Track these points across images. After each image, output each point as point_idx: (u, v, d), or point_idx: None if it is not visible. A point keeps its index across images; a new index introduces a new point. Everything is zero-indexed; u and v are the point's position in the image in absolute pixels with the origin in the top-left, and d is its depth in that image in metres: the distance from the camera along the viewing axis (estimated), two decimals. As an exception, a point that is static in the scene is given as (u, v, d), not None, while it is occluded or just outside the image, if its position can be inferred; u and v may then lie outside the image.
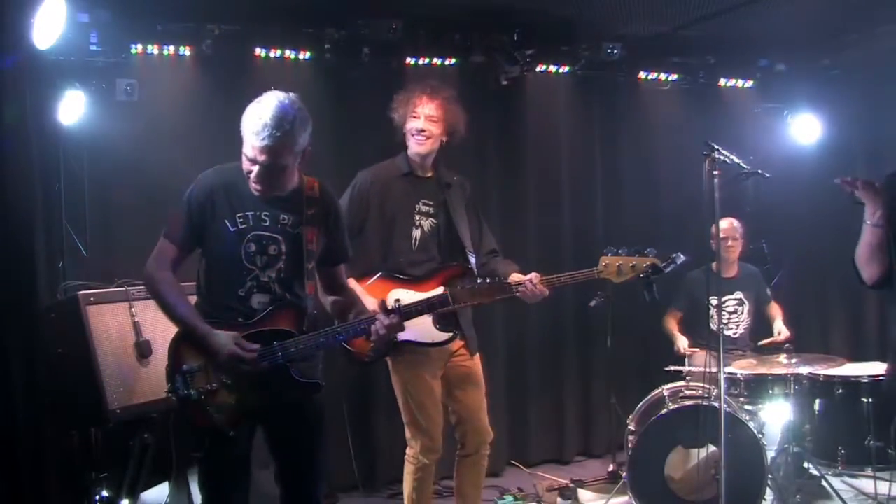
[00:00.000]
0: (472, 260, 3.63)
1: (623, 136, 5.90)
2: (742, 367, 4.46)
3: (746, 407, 4.41)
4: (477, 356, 3.71)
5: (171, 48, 4.71)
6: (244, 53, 4.83)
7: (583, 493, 4.91)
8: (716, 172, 3.48)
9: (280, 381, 2.70)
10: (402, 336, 3.47)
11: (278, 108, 2.59)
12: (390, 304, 3.41)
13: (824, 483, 4.43)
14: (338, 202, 2.98)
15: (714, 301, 4.64)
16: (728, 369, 4.37)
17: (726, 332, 5.00)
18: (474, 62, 5.32)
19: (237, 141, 2.69)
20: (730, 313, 5.11)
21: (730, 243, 5.06)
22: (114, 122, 4.54)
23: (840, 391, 4.39)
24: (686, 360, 4.82)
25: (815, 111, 5.92)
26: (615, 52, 5.35)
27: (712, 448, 3.80)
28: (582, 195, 5.79)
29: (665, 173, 5.86)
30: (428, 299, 3.03)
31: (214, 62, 4.73)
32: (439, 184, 3.69)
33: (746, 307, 5.15)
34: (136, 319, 3.45)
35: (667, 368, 4.74)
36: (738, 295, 5.13)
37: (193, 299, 2.83)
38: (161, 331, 3.33)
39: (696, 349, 4.87)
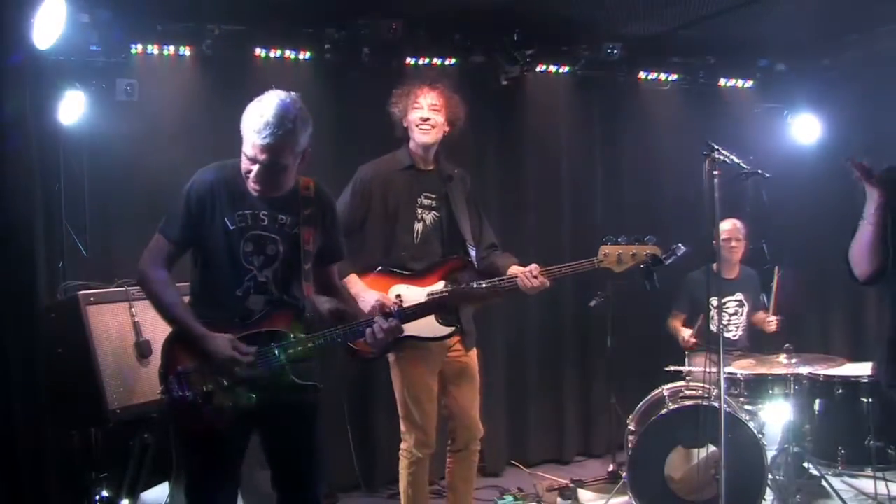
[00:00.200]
0: (473, 253, 3.63)
1: (623, 136, 5.90)
2: (742, 367, 4.46)
3: (746, 407, 4.41)
4: (473, 351, 3.73)
5: (171, 48, 4.71)
6: (244, 53, 4.83)
7: (583, 493, 4.91)
8: (716, 172, 3.48)
9: (277, 383, 2.66)
10: (405, 331, 3.49)
11: (280, 107, 2.57)
12: (392, 299, 3.44)
13: (824, 483, 4.43)
14: (333, 201, 2.95)
15: (714, 302, 4.64)
16: (728, 369, 4.37)
17: (725, 334, 5.00)
18: (474, 62, 5.33)
19: (237, 141, 2.68)
20: (730, 314, 5.11)
21: (733, 244, 5.06)
22: (114, 122, 4.54)
23: (840, 391, 4.39)
24: (686, 360, 4.82)
25: (815, 111, 5.92)
26: (615, 52, 5.35)
27: (712, 448, 3.80)
28: (582, 195, 5.79)
29: (665, 173, 5.86)
30: (426, 303, 3.01)
31: (214, 62, 4.74)
32: (441, 177, 3.70)
33: (746, 309, 5.15)
34: (136, 319, 3.44)
35: (667, 368, 4.74)
36: (739, 296, 5.13)
37: (186, 300, 2.78)
38: (161, 331, 3.29)
39: (698, 340, 4.86)
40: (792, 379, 4.36)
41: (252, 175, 2.61)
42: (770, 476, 4.13)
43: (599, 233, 5.65)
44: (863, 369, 4.45)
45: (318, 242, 2.79)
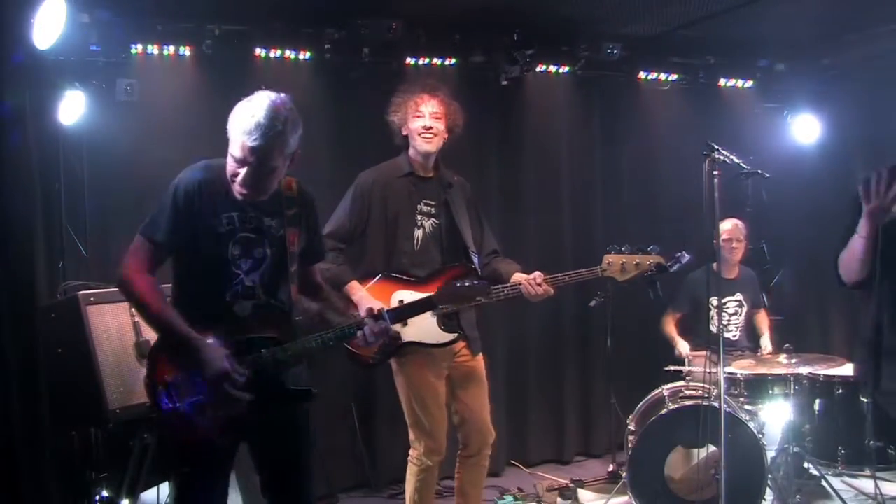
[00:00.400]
0: (476, 260, 3.63)
1: (623, 136, 5.90)
2: (742, 367, 4.46)
3: (746, 407, 4.41)
4: (480, 356, 3.71)
5: (171, 48, 4.71)
6: (244, 53, 4.83)
7: (583, 493, 4.91)
8: (716, 172, 3.48)
9: (270, 390, 2.59)
10: (407, 338, 3.48)
11: (271, 108, 2.49)
12: (394, 305, 3.42)
13: (824, 483, 4.43)
14: (315, 199, 2.85)
15: (715, 301, 4.64)
16: (728, 369, 4.37)
17: (725, 335, 5.00)
18: (474, 62, 5.33)
19: (237, 141, 2.67)
20: (730, 314, 5.12)
21: (734, 245, 5.06)
22: (114, 122, 4.54)
23: (840, 391, 4.39)
24: (686, 360, 4.82)
25: (815, 111, 5.93)
26: (615, 52, 5.36)
27: (712, 448, 3.80)
28: (582, 195, 5.79)
29: (665, 173, 5.86)
30: (414, 303, 2.98)
31: (214, 62, 4.74)
32: (441, 184, 3.69)
33: (745, 309, 5.16)
34: (136, 319, 3.43)
35: (667, 368, 4.75)
36: (739, 297, 5.13)
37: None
38: (161, 331, 3.32)
39: (698, 353, 4.86)
40: (792, 379, 4.36)
41: (239, 178, 2.52)
42: (770, 476, 4.13)
43: (599, 233, 5.74)
44: (863, 369, 4.45)
45: (302, 243, 2.73)
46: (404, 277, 3.55)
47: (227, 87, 4.68)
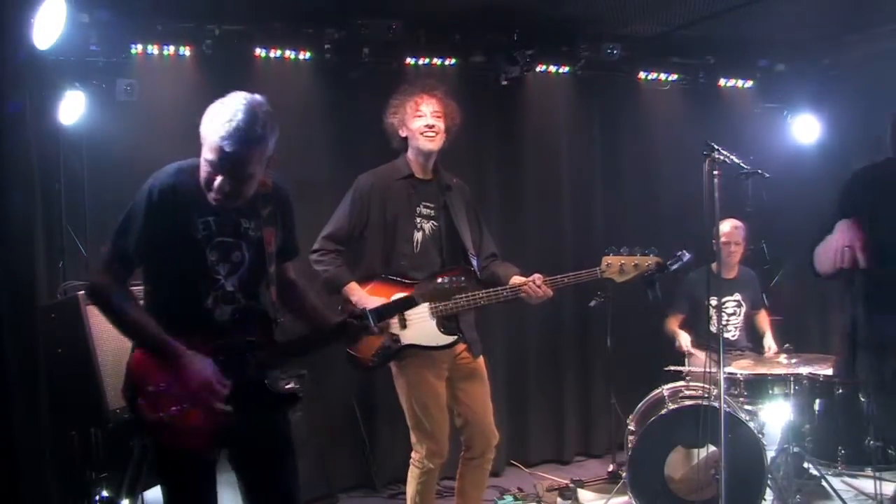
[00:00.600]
0: (475, 262, 3.63)
1: (623, 136, 5.90)
2: (742, 367, 4.46)
3: (746, 407, 4.41)
4: (481, 359, 3.71)
5: (171, 48, 4.71)
6: (244, 53, 4.83)
7: (583, 493, 4.91)
8: (716, 172, 3.48)
9: (256, 396, 2.52)
10: (406, 340, 3.49)
11: (249, 112, 2.36)
12: None
13: (824, 483, 4.43)
14: (289, 194, 2.73)
15: (714, 301, 4.64)
16: (728, 369, 4.37)
17: (724, 334, 5.00)
18: (474, 62, 5.33)
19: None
20: (729, 314, 5.11)
21: (732, 248, 5.05)
22: (114, 122, 4.54)
23: (840, 391, 4.38)
24: (686, 359, 4.82)
25: (815, 111, 5.92)
26: (615, 52, 5.36)
27: (712, 448, 3.80)
28: (582, 195, 5.79)
29: (665, 173, 5.86)
30: (394, 301, 2.93)
31: (214, 62, 4.73)
32: (440, 186, 3.69)
33: (743, 309, 5.16)
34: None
35: (667, 368, 4.75)
36: (737, 297, 5.13)
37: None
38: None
39: (698, 349, 4.87)
40: (792, 379, 4.36)
41: (216, 186, 2.39)
42: (770, 476, 4.13)
43: (600, 233, 5.74)
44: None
45: (278, 241, 2.64)
46: (403, 280, 3.54)
47: (227, 87, 4.59)
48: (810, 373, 4.41)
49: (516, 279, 3.57)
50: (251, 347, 2.53)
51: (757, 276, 5.27)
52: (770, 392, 4.43)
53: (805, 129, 5.96)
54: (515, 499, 4.85)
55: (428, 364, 3.55)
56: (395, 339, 3.50)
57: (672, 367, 4.73)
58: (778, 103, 6.11)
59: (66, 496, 3.43)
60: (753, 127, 5.99)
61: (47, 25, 3.22)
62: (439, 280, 2.87)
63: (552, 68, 5.60)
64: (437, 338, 3.52)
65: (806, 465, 4.53)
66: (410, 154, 3.66)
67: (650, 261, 3.48)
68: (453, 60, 5.29)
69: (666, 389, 4.45)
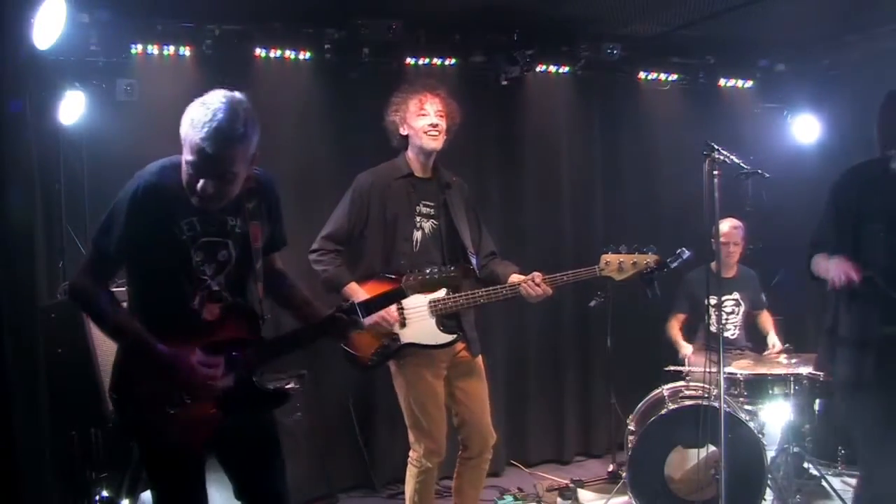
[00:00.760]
0: (474, 261, 3.63)
1: (623, 136, 5.90)
2: (742, 367, 4.46)
3: (746, 407, 4.41)
4: (479, 358, 3.71)
5: (171, 48, 4.71)
6: (244, 53, 4.83)
7: (583, 493, 4.91)
8: (716, 172, 3.48)
9: (244, 394, 2.50)
10: (405, 339, 3.49)
11: (230, 111, 2.29)
12: (392, 308, 3.40)
13: (824, 483, 4.44)
14: (275, 185, 2.66)
15: (713, 300, 4.64)
16: (728, 369, 4.37)
17: (724, 333, 4.99)
18: (474, 62, 5.33)
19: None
20: (727, 313, 5.11)
21: (731, 248, 5.05)
22: (114, 121, 4.54)
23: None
24: (686, 360, 4.82)
25: (815, 111, 5.92)
26: (615, 52, 5.36)
27: (712, 448, 3.80)
28: (582, 195, 5.79)
29: (665, 173, 5.86)
30: (384, 293, 2.89)
31: (214, 62, 4.73)
32: (439, 185, 3.69)
33: (742, 308, 5.16)
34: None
35: (667, 368, 4.75)
36: (736, 296, 5.13)
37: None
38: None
39: (699, 353, 4.86)
40: (792, 379, 4.36)
41: (199, 188, 2.34)
42: (770, 476, 4.13)
43: (599, 233, 5.74)
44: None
45: (265, 235, 2.59)
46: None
47: (227, 87, 4.68)
48: (810, 373, 4.42)
49: (515, 278, 3.56)
50: (238, 345, 2.51)
51: (757, 275, 5.26)
52: (770, 392, 4.43)
53: (805, 129, 5.96)
54: (515, 499, 4.85)
55: (427, 363, 3.55)
56: (395, 337, 3.50)
57: (672, 367, 4.73)
58: (778, 103, 6.11)
59: (66, 496, 3.43)
60: (753, 127, 5.99)
61: (47, 25, 3.22)
62: (428, 270, 2.85)
63: (552, 68, 5.60)
64: (437, 336, 3.52)
65: (806, 465, 4.54)
66: (410, 152, 3.66)
67: (649, 259, 3.49)
68: (453, 60, 5.29)
69: (666, 389, 4.45)
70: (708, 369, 3.72)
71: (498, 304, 3.71)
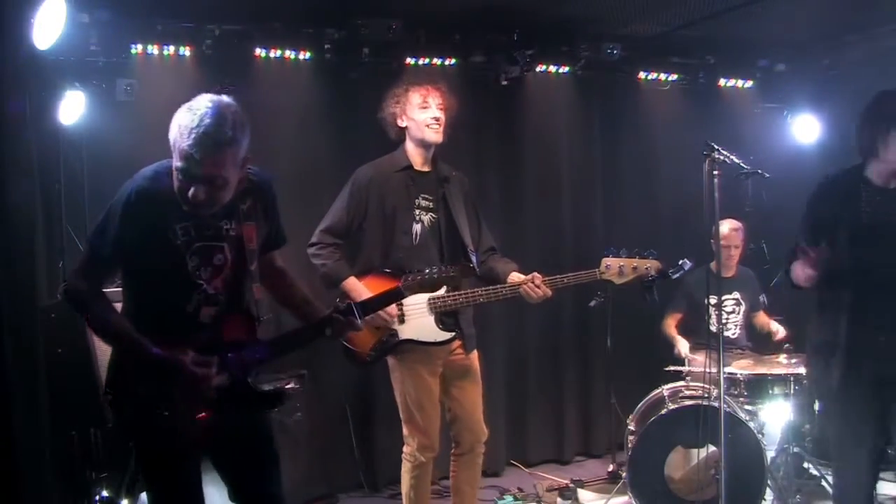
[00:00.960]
0: (474, 258, 3.62)
1: (623, 136, 5.90)
2: (742, 367, 4.46)
3: (746, 407, 4.41)
4: (474, 353, 3.72)
5: (171, 48, 4.70)
6: (244, 53, 4.82)
7: (583, 493, 4.91)
8: (716, 172, 3.48)
9: (239, 395, 2.49)
10: (404, 335, 3.49)
11: (217, 115, 2.27)
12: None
13: (824, 483, 4.43)
14: (271, 183, 2.65)
15: (713, 300, 4.64)
16: (728, 369, 4.37)
17: (724, 333, 4.99)
18: (474, 62, 5.33)
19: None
20: (728, 313, 5.11)
21: (732, 251, 5.04)
22: (114, 121, 4.54)
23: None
24: (686, 360, 4.82)
25: (815, 111, 5.92)
26: (615, 52, 5.35)
27: (712, 448, 3.80)
28: (582, 195, 5.79)
29: (665, 173, 5.86)
30: (383, 294, 2.89)
31: (214, 62, 4.73)
32: (438, 178, 3.69)
33: (743, 308, 5.15)
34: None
35: (667, 368, 4.75)
36: (736, 295, 5.13)
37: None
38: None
39: (698, 353, 4.86)
40: (792, 379, 4.36)
41: (190, 195, 2.31)
42: (770, 476, 4.13)
43: (599, 233, 5.74)
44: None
45: (261, 235, 2.58)
46: (402, 273, 3.53)
47: (226, 88, 4.68)
48: (810, 373, 4.42)
49: (514, 276, 3.57)
50: (234, 347, 2.51)
51: (756, 276, 5.26)
52: (770, 392, 4.43)
53: (805, 129, 5.96)
54: (515, 499, 4.85)
55: (424, 360, 3.56)
56: (393, 333, 3.51)
57: (672, 367, 4.73)
58: (778, 103, 6.11)
59: (66, 496, 3.43)
60: (753, 127, 5.98)
61: (47, 25, 3.22)
62: (427, 270, 2.85)
63: (552, 68, 5.60)
64: (435, 333, 3.52)
65: (806, 465, 4.53)
66: (409, 145, 3.66)
67: (649, 264, 3.50)
68: (453, 60, 5.29)
69: (666, 389, 4.45)
70: (708, 369, 3.72)
71: (497, 304, 3.71)
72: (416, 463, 3.60)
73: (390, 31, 4.79)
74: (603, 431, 5.71)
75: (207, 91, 2.41)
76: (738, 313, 5.14)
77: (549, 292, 3.50)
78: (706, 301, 4.49)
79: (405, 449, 3.65)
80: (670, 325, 5.15)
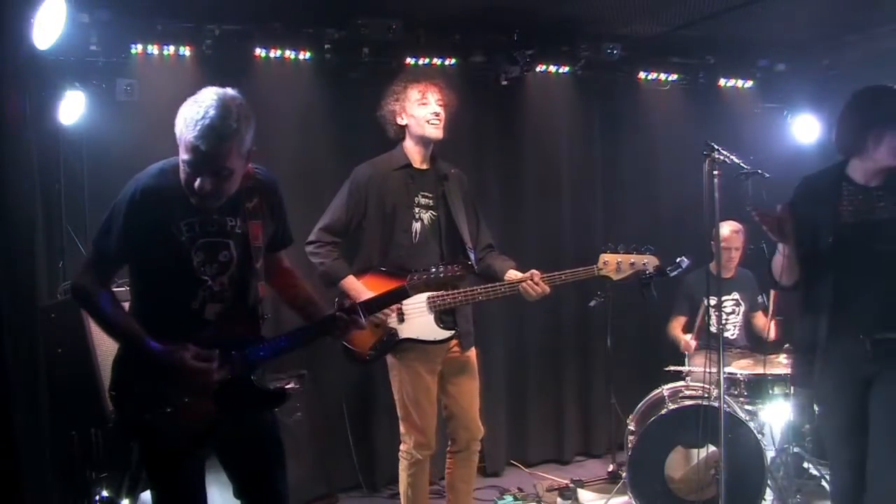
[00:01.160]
0: (473, 257, 3.63)
1: (623, 136, 5.90)
2: (742, 367, 4.46)
3: (746, 407, 4.41)
4: (472, 351, 3.72)
5: (171, 48, 4.71)
6: (244, 53, 4.82)
7: (583, 493, 4.91)
8: (716, 172, 3.48)
9: (243, 393, 2.51)
10: (404, 334, 3.49)
11: (222, 108, 2.31)
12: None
13: (824, 483, 4.43)
14: (277, 183, 2.69)
15: (713, 301, 4.64)
16: (728, 369, 4.37)
17: (724, 333, 4.99)
18: (474, 62, 5.33)
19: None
20: (727, 314, 5.11)
21: (732, 254, 5.04)
22: (114, 121, 4.54)
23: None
24: (686, 360, 4.82)
25: (815, 111, 5.92)
26: (615, 52, 5.35)
27: (712, 448, 3.80)
28: (582, 195, 5.79)
29: (665, 173, 5.86)
30: (388, 293, 2.91)
31: (214, 62, 4.73)
32: (437, 176, 3.69)
33: (742, 308, 5.16)
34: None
35: (667, 368, 4.75)
36: (736, 296, 5.13)
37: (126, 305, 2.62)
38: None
39: (698, 353, 4.86)
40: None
41: (197, 186, 2.36)
42: (770, 476, 4.13)
43: (599, 232, 5.74)
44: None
45: (267, 233, 2.61)
46: (400, 272, 3.54)
47: (227, 87, 4.68)
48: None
49: (512, 274, 3.57)
50: (240, 344, 2.52)
51: (755, 277, 5.26)
52: (770, 392, 4.43)
53: (805, 129, 5.96)
54: (515, 499, 4.85)
55: (423, 358, 3.56)
56: (393, 332, 3.51)
57: (672, 367, 4.73)
58: (778, 103, 6.11)
59: (66, 496, 3.43)
60: (753, 127, 5.98)
61: (47, 25, 3.22)
62: (433, 269, 2.86)
63: (552, 68, 5.60)
64: (435, 332, 3.53)
65: (806, 465, 4.53)
66: (409, 143, 3.66)
67: (647, 260, 3.51)
68: (453, 60, 5.29)
69: (666, 389, 4.45)
70: (708, 369, 3.72)
71: (498, 304, 3.72)
72: (412, 460, 3.61)
73: (390, 31, 4.79)
74: (603, 431, 5.71)
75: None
76: (738, 314, 5.15)
77: (548, 289, 3.51)
78: (706, 302, 4.50)
79: (402, 447, 3.66)
80: (675, 328, 5.15)
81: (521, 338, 5.61)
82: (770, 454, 4.22)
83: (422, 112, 3.57)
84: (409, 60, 5.17)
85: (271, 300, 2.90)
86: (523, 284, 3.49)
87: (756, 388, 4.45)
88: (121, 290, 2.65)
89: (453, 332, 3.58)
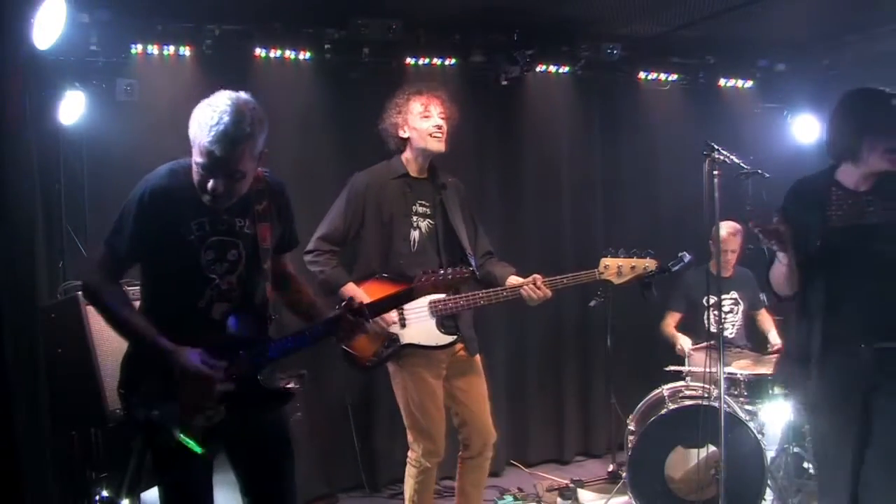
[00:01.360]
0: (472, 263, 3.62)
1: (623, 136, 5.90)
2: (742, 367, 4.46)
3: (746, 407, 4.41)
4: (477, 357, 3.71)
5: (171, 48, 4.71)
6: (244, 53, 4.83)
7: (583, 493, 4.91)
8: (716, 172, 3.48)
9: (250, 393, 2.52)
10: (406, 339, 3.49)
11: (236, 111, 2.36)
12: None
13: (824, 483, 4.43)
14: (285, 187, 2.72)
15: (712, 300, 4.64)
16: (728, 369, 4.37)
17: (723, 332, 4.98)
18: (474, 62, 5.33)
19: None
20: (726, 313, 5.11)
21: (728, 256, 5.03)
22: (114, 121, 4.55)
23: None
24: (686, 359, 4.82)
25: (815, 111, 5.92)
26: (615, 52, 5.36)
27: (712, 448, 3.80)
28: (582, 195, 5.79)
29: (665, 173, 5.86)
30: (394, 294, 2.90)
31: (214, 62, 4.73)
32: (434, 185, 3.69)
33: (741, 307, 5.15)
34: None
35: (667, 368, 4.74)
36: (734, 295, 5.13)
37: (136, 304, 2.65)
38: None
39: (698, 347, 4.86)
40: (792, 379, 4.36)
41: (210, 187, 2.41)
42: (770, 476, 4.13)
43: (599, 233, 5.74)
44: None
45: (275, 236, 2.65)
46: (401, 278, 3.53)
47: (227, 87, 4.67)
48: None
49: (512, 279, 3.57)
50: (247, 345, 2.54)
51: (755, 276, 5.26)
52: (770, 392, 4.43)
53: (805, 129, 5.96)
54: (515, 499, 4.85)
55: (426, 364, 3.55)
56: (395, 338, 3.50)
57: (672, 367, 4.73)
58: (778, 103, 6.11)
59: (66, 496, 3.43)
60: (753, 127, 5.99)
61: (47, 25, 3.22)
62: (440, 271, 2.86)
63: (552, 68, 5.60)
64: (437, 337, 3.52)
65: (806, 465, 4.52)
66: (409, 154, 3.66)
67: (647, 263, 3.51)
68: (453, 60, 5.29)
69: (666, 389, 4.45)
70: (708, 369, 3.72)
71: (497, 305, 3.71)
72: (420, 468, 3.58)
73: (390, 31, 4.80)
74: (603, 431, 5.71)
75: (208, 91, 2.47)
76: (737, 313, 5.14)
77: (550, 293, 3.51)
78: (704, 300, 4.50)
79: (410, 454, 3.63)
80: (669, 324, 5.15)
81: (521, 338, 5.61)
82: (770, 454, 4.22)
83: (424, 125, 3.57)
84: (409, 60, 5.18)
85: (276, 302, 2.91)
86: (525, 288, 3.48)
87: (756, 388, 4.45)
88: (130, 289, 2.68)
89: (455, 337, 3.56)
